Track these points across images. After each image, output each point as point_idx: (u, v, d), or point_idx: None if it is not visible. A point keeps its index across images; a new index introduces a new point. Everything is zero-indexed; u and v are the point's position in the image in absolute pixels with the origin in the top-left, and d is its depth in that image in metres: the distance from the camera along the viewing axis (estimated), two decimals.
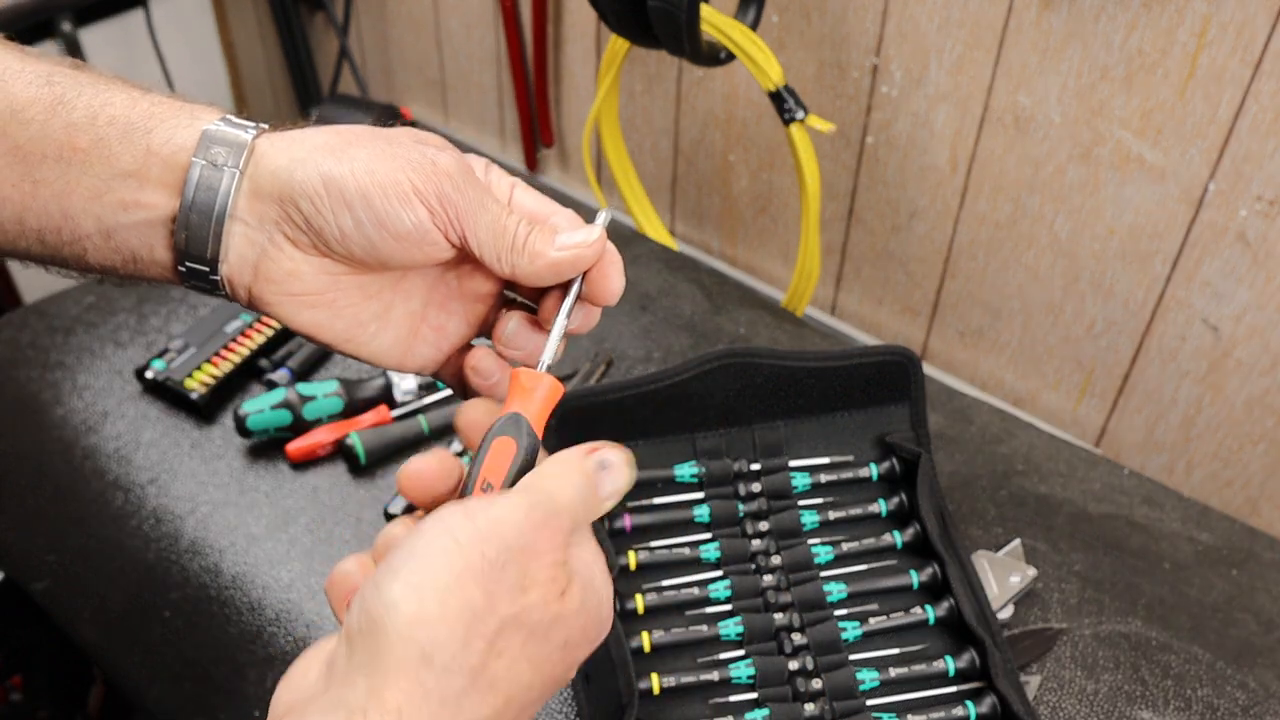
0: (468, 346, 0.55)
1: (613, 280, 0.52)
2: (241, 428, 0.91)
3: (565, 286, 0.52)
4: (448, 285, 0.54)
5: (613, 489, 0.48)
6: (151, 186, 0.48)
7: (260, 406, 0.91)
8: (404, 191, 0.48)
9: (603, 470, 0.48)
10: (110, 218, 0.49)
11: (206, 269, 0.49)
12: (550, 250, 0.50)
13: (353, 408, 0.94)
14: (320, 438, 0.91)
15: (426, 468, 0.50)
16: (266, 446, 0.93)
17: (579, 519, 0.47)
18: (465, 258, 0.51)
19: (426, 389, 0.97)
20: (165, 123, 0.49)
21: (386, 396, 0.96)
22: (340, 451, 0.92)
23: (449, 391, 0.94)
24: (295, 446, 0.91)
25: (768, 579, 0.79)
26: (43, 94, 0.48)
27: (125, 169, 0.48)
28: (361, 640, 0.41)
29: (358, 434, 0.90)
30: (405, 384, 0.97)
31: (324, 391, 0.93)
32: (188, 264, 0.49)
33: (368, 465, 0.90)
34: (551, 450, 0.52)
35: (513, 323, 0.53)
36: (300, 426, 0.92)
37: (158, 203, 0.49)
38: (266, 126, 0.50)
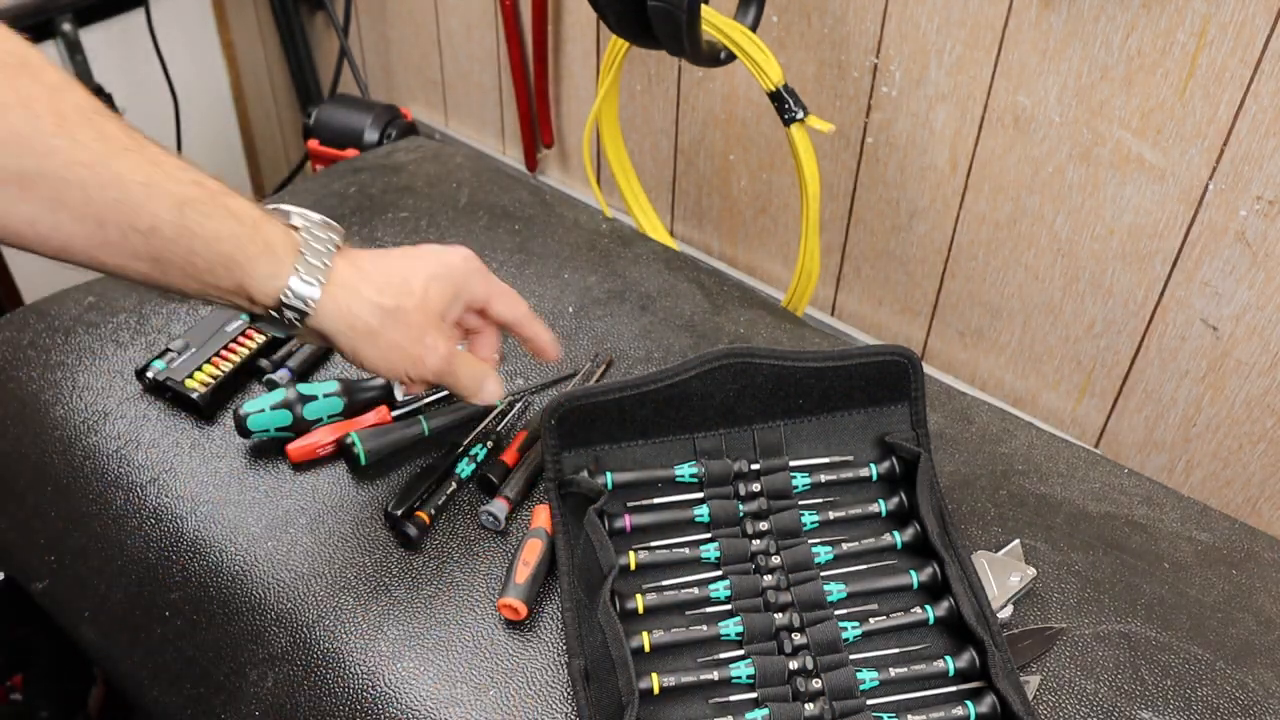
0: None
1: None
2: (241, 428, 0.91)
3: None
4: None
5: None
6: (241, 299, 0.71)
7: (260, 406, 0.91)
8: (398, 375, 0.77)
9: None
10: (210, 297, 0.71)
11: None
12: (475, 398, 0.83)
13: (353, 408, 0.94)
14: (320, 438, 0.91)
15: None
16: (267, 446, 0.93)
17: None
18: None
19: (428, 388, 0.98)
20: (257, 269, 0.70)
21: (387, 397, 0.96)
22: (340, 452, 0.92)
23: (447, 392, 0.95)
24: (295, 447, 0.91)
25: (768, 579, 0.79)
26: (175, 219, 0.66)
27: (225, 288, 0.70)
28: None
29: (358, 434, 0.90)
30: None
31: (324, 391, 0.93)
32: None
33: (368, 465, 0.90)
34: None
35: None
36: (300, 426, 0.92)
37: (244, 307, 0.72)
38: (335, 283, 0.73)
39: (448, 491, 0.88)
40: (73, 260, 0.67)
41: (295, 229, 0.73)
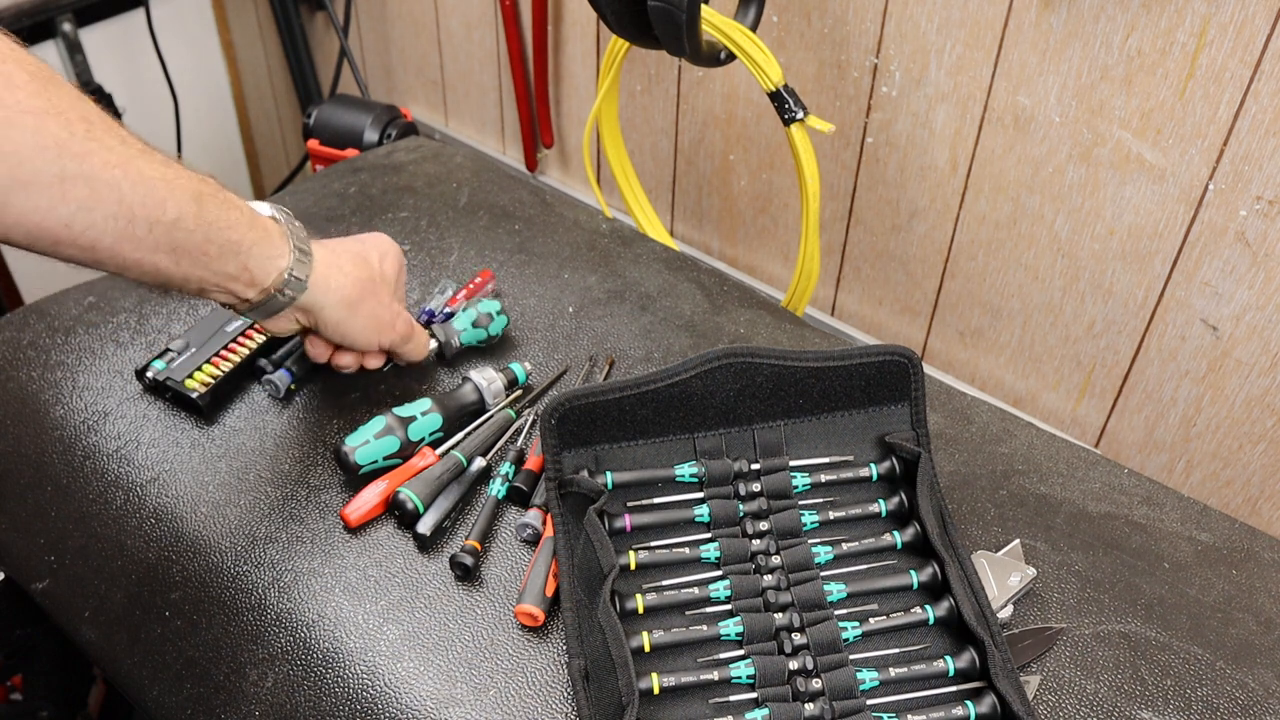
0: None
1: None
2: (348, 464, 0.88)
3: None
4: None
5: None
6: (241, 285, 0.80)
7: (364, 438, 0.88)
8: (372, 343, 0.93)
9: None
10: (209, 289, 0.80)
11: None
12: (414, 357, 0.98)
13: (450, 421, 0.93)
14: (370, 498, 0.88)
15: None
16: (266, 447, 0.93)
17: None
18: None
19: (510, 385, 0.98)
20: (259, 252, 0.80)
21: (479, 407, 0.95)
22: (393, 507, 0.88)
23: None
24: (353, 510, 0.87)
25: (768, 579, 0.79)
26: (194, 210, 0.74)
27: (230, 273, 0.79)
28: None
29: (410, 489, 0.87)
30: (493, 387, 0.96)
31: (420, 410, 0.91)
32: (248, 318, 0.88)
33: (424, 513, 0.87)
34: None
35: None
36: (407, 451, 0.90)
37: (243, 293, 0.81)
38: (318, 261, 0.85)
39: (487, 513, 0.87)
40: (95, 258, 0.71)
41: (277, 220, 0.83)
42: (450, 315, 1.05)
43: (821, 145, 1.29)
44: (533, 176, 1.73)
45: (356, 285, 0.87)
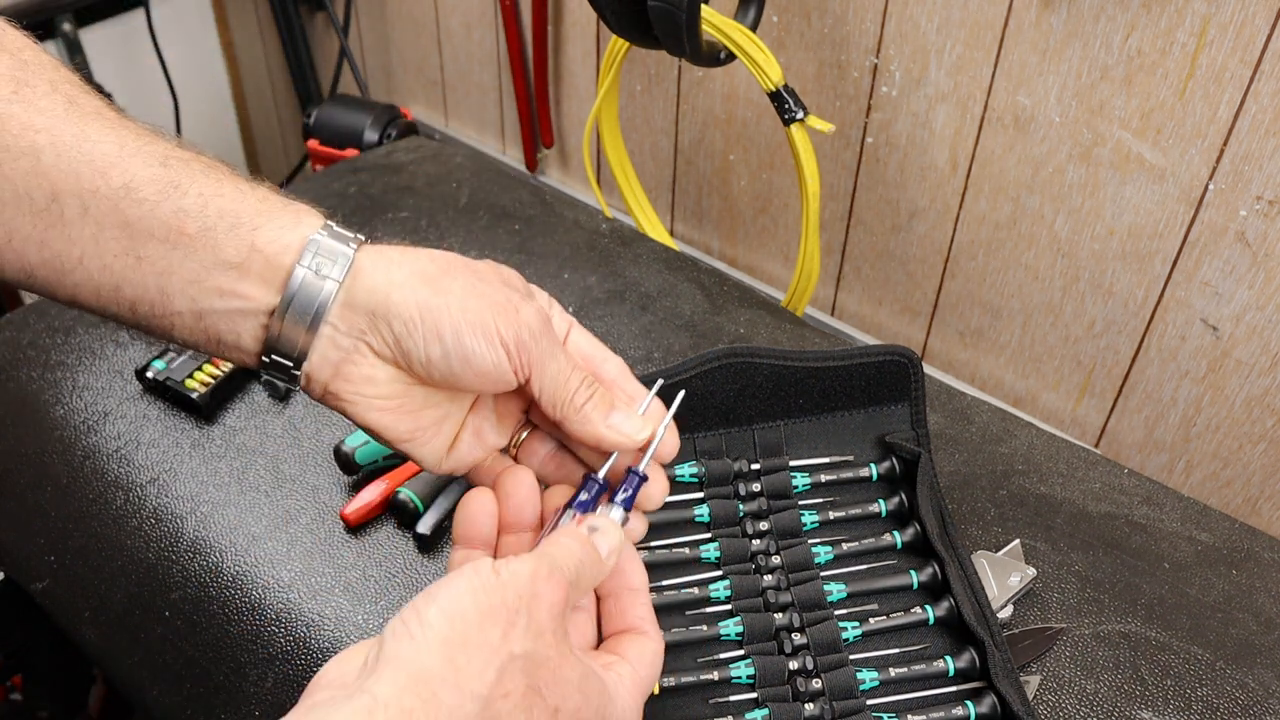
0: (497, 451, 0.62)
1: (668, 445, 0.61)
2: (348, 463, 0.88)
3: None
4: (492, 400, 0.61)
5: (608, 547, 0.55)
6: (251, 280, 0.52)
7: (364, 438, 0.88)
8: (490, 334, 0.53)
9: (594, 533, 0.54)
10: (205, 302, 0.52)
11: (290, 364, 0.54)
12: (600, 425, 0.57)
13: None
14: (370, 497, 0.87)
15: (480, 513, 0.57)
16: (266, 447, 0.93)
17: (583, 575, 0.53)
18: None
19: None
20: (271, 221, 0.52)
21: None
22: (393, 506, 0.88)
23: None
24: (352, 510, 0.87)
25: (768, 579, 0.79)
26: (158, 174, 0.51)
27: (228, 260, 0.51)
28: (395, 644, 0.45)
29: (409, 489, 0.86)
30: None
31: None
32: (274, 356, 0.54)
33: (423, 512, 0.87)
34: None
35: (546, 445, 0.62)
36: None
37: (254, 296, 0.52)
38: (364, 239, 0.55)
39: None
40: (19, 265, 0.52)
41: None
42: None
43: (821, 145, 1.29)
44: (533, 176, 1.73)
45: (436, 260, 0.56)
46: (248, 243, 0.52)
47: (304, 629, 0.81)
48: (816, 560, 0.81)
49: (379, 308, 0.53)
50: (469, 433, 0.60)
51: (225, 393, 0.98)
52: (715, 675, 0.74)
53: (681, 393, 0.64)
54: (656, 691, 0.73)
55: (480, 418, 0.60)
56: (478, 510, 0.57)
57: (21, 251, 0.51)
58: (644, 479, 0.59)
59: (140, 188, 0.51)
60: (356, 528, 0.87)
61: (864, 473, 0.86)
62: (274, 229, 0.52)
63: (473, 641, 0.45)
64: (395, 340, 0.53)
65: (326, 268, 0.52)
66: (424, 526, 0.85)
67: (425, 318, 0.53)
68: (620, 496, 0.58)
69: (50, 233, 0.50)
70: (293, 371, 0.54)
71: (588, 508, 0.58)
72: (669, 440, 0.61)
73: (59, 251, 0.51)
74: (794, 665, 0.74)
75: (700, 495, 0.84)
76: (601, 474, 0.59)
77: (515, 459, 0.62)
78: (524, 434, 0.62)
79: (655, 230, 1.39)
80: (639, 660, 0.55)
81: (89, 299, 0.52)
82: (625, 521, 0.58)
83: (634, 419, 0.59)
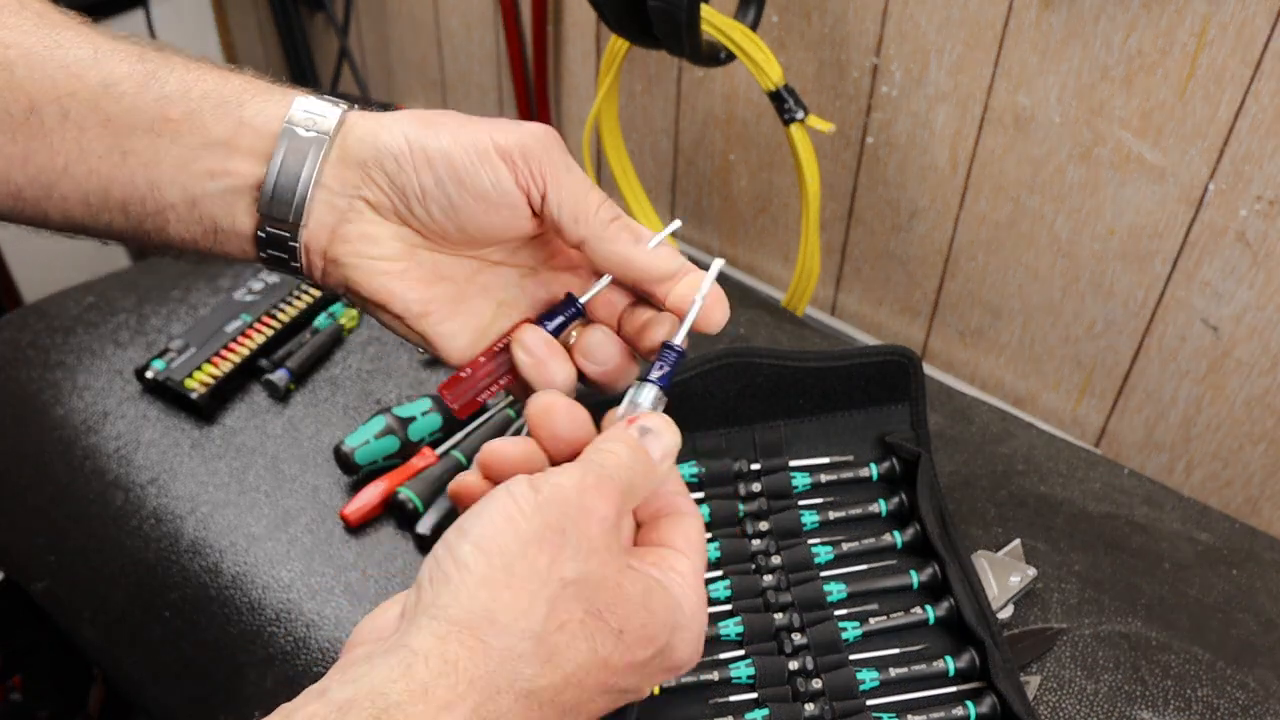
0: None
1: (715, 312, 0.53)
2: (348, 464, 0.88)
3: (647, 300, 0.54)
4: (521, 289, 0.56)
5: (662, 450, 0.49)
6: (241, 155, 0.50)
7: (364, 439, 0.88)
8: (484, 149, 0.49)
9: (646, 435, 0.49)
10: (196, 186, 0.50)
11: (287, 235, 0.51)
12: (630, 244, 0.52)
13: (448, 422, 0.91)
14: (371, 497, 0.87)
15: (511, 450, 0.50)
16: (265, 447, 0.93)
17: (635, 483, 0.47)
18: (543, 260, 0.54)
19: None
20: (257, 97, 0.51)
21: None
22: (393, 506, 0.88)
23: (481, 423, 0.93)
24: (352, 510, 0.87)
25: (768, 579, 0.79)
26: (135, 69, 0.50)
27: (216, 138, 0.50)
28: (431, 591, 0.42)
29: (410, 489, 0.86)
30: None
31: (420, 410, 0.91)
32: (269, 229, 0.51)
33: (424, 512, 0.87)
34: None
35: (597, 334, 0.54)
36: (408, 450, 0.89)
37: (245, 170, 0.51)
38: (354, 105, 0.53)
39: None
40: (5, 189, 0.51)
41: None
42: None
43: (821, 145, 1.29)
44: None
45: (431, 111, 0.52)
46: (235, 118, 0.50)
47: (304, 629, 0.81)
48: (816, 560, 0.81)
49: (370, 156, 0.50)
50: (496, 330, 0.54)
51: (225, 393, 0.98)
52: (715, 675, 0.74)
53: (720, 261, 0.55)
54: (656, 692, 0.73)
55: (511, 313, 0.55)
56: (504, 443, 0.51)
57: (6, 172, 0.50)
58: (682, 354, 0.52)
59: (119, 83, 0.50)
60: (356, 528, 0.87)
61: (864, 473, 0.86)
62: (260, 103, 0.51)
63: (517, 574, 0.41)
64: (390, 181, 0.50)
65: (314, 125, 0.50)
66: (424, 527, 0.85)
67: (414, 146, 0.50)
68: (655, 374, 0.52)
69: (32, 144, 0.49)
70: (290, 244, 0.51)
71: (666, 382, 0.52)
72: (716, 307, 0.53)
73: (43, 165, 0.50)
74: (794, 665, 0.74)
75: (700, 495, 0.84)
76: (679, 338, 0.52)
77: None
78: (593, 335, 0.55)
79: (656, 230, 1.39)
80: (688, 546, 0.49)
81: (79, 211, 0.51)
82: (666, 405, 0.52)
83: (667, 246, 0.53)
